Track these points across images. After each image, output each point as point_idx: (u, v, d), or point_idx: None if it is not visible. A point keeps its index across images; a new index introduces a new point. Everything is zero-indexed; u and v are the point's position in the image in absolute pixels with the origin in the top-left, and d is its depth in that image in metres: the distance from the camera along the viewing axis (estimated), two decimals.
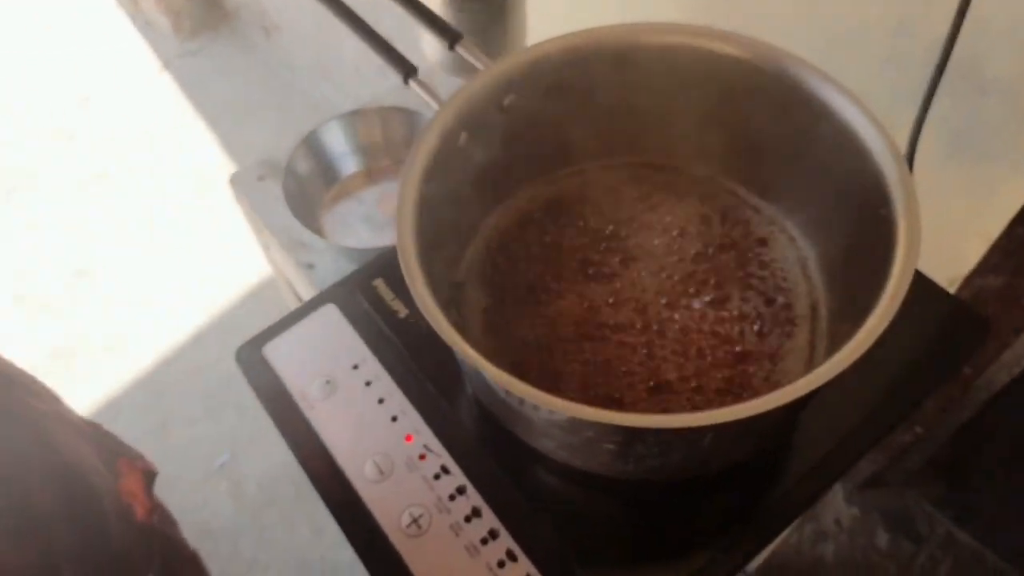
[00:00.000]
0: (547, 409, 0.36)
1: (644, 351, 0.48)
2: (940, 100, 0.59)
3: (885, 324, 0.33)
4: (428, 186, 0.45)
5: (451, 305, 0.51)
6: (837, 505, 0.86)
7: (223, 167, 1.59)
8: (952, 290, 0.67)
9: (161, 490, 1.17)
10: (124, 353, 1.33)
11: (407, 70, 0.50)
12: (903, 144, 0.59)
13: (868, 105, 0.43)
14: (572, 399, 0.46)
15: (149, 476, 0.58)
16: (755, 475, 0.48)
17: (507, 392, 0.39)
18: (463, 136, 0.48)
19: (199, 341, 1.31)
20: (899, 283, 0.34)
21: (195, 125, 1.67)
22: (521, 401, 0.40)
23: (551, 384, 0.47)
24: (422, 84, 0.50)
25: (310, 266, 0.66)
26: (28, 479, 0.46)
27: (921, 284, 0.53)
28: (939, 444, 0.85)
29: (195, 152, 1.62)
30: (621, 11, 0.67)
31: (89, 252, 1.49)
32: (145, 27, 1.94)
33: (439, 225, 0.48)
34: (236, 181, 0.73)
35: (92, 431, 0.56)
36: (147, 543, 0.57)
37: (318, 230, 0.66)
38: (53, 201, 1.59)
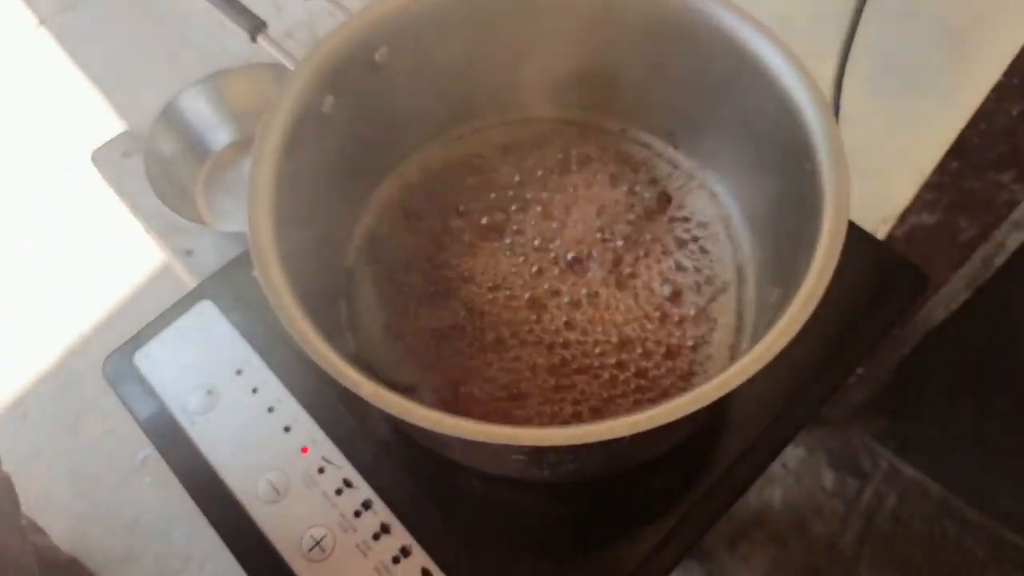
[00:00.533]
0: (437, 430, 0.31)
1: (553, 336, 0.42)
2: (867, 26, 0.53)
3: (809, 311, 0.28)
4: (291, 163, 0.38)
5: (340, 297, 0.45)
6: None
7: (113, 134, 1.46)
8: (887, 228, 0.63)
9: (82, 488, 1.11)
10: (26, 346, 1.23)
11: (254, 25, 0.43)
12: (830, 74, 0.54)
13: (789, 44, 0.37)
14: (478, 396, 0.41)
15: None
16: (691, 459, 0.44)
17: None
18: (329, 100, 0.41)
19: (107, 327, 1.21)
20: (825, 260, 0.29)
21: (79, 88, 1.52)
22: None
23: (456, 381, 0.42)
24: (273, 41, 0.42)
25: (188, 253, 0.59)
26: None
27: (855, 235, 0.48)
28: (881, 380, 0.84)
29: (81, 119, 1.48)
30: None
31: None
32: None
33: (314, 207, 0.41)
34: (98, 158, 0.64)
35: None
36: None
37: (194, 212, 0.58)
38: None
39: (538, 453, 0.33)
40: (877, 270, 0.48)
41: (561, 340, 0.43)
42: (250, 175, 0.36)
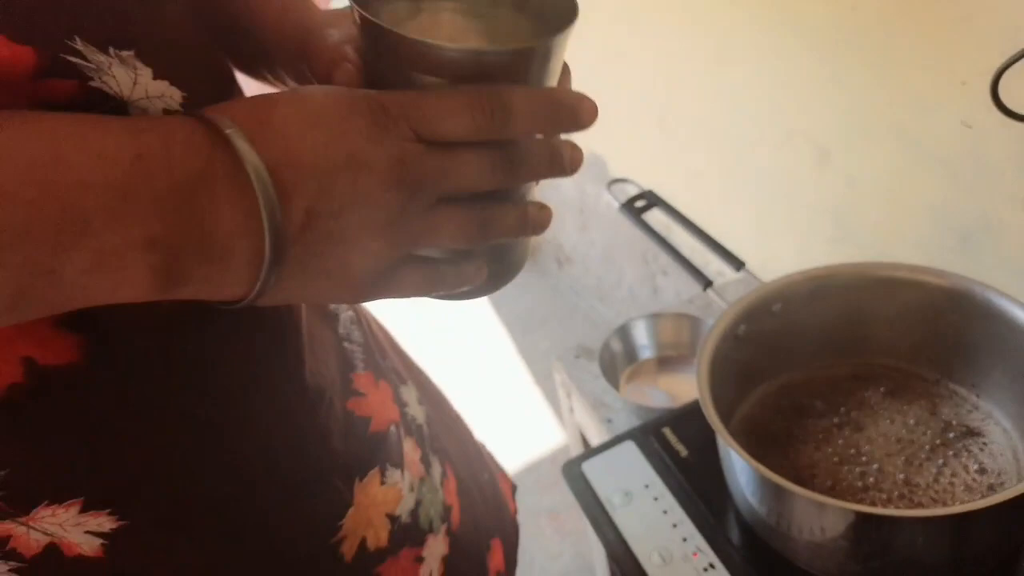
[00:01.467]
0: (792, 496, 0.54)
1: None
2: None
3: None
4: (717, 359, 0.67)
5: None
6: None
7: (517, 363, 1.95)
8: None
9: None
10: None
11: (705, 282, 0.75)
12: None
13: None
14: None
15: (514, 488, 0.73)
16: None
17: (765, 485, 0.57)
18: (742, 327, 0.70)
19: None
20: None
21: (497, 329, 2.08)
22: (775, 496, 0.58)
23: None
24: (716, 291, 0.74)
25: (609, 420, 0.90)
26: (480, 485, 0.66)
27: None
28: None
29: (500, 350, 2.02)
30: (858, 255, 0.88)
31: None
32: None
33: (724, 387, 0.69)
34: (561, 357, 1.01)
35: (484, 447, 0.73)
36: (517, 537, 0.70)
37: (619, 392, 0.90)
38: None
39: (858, 533, 0.53)
40: None
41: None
42: (698, 361, 0.65)
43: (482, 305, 2.21)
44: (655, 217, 0.86)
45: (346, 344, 0.46)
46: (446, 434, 0.60)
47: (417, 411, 0.54)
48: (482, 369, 1.98)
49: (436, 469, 0.53)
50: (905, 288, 0.69)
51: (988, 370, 0.66)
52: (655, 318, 0.92)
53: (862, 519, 0.52)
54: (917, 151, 0.89)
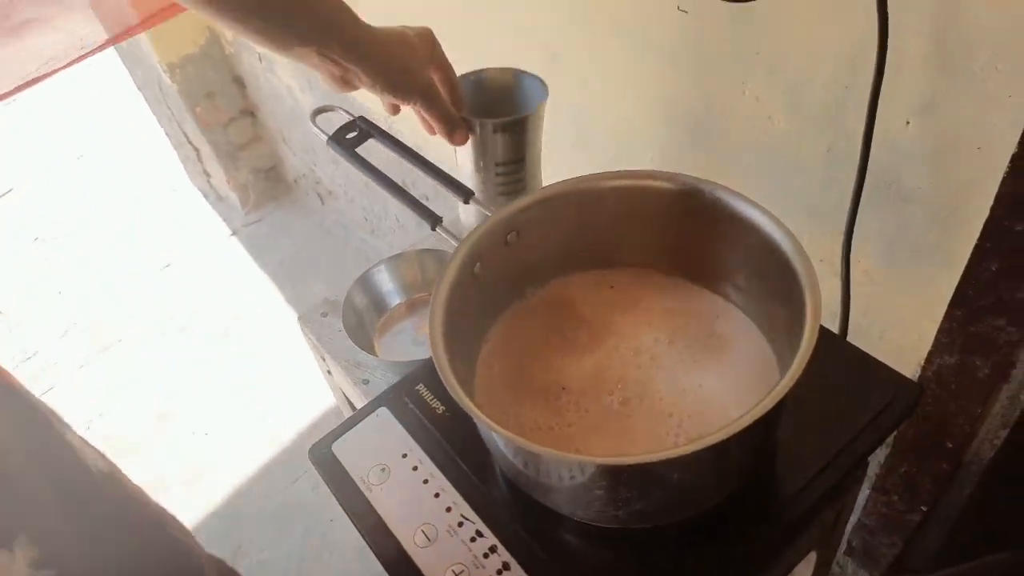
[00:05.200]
0: (532, 453, 0.48)
1: (619, 401, 0.59)
2: (876, 213, 0.72)
3: (796, 376, 0.45)
4: (453, 301, 0.59)
5: (471, 379, 0.64)
6: None
7: (288, 316, 1.79)
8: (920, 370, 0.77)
9: None
10: (201, 486, 1.46)
11: (434, 220, 0.66)
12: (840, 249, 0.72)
13: (781, 217, 0.56)
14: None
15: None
16: (740, 518, 0.57)
17: (509, 448, 0.51)
18: (478, 265, 0.62)
19: (267, 470, 1.44)
20: (805, 349, 0.46)
21: (261, 281, 1.89)
22: (526, 454, 0.52)
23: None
24: (446, 229, 0.65)
25: (365, 382, 0.80)
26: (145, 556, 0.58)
27: (867, 362, 0.64)
28: (952, 522, 0.90)
29: (262, 304, 1.83)
30: (608, 166, 0.83)
31: (170, 397, 1.67)
32: (217, 201, 2.22)
33: (464, 326, 0.61)
34: (304, 319, 0.89)
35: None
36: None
37: (371, 352, 0.80)
38: (138, 354, 1.79)
39: (612, 483, 0.49)
40: (885, 384, 0.63)
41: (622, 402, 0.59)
42: (431, 307, 0.57)
43: (237, 255, 1.99)
44: (375, 149, 0.74)
45: None
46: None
47: None
48: (251, 329, 1.79)
49: None
50: (636, 195, 0.64)
51: (724, 266, 0.64)
52: (395, 260, 0.82)
53: (613, 471, 0.48)
54: (639, 43, 0.84)
